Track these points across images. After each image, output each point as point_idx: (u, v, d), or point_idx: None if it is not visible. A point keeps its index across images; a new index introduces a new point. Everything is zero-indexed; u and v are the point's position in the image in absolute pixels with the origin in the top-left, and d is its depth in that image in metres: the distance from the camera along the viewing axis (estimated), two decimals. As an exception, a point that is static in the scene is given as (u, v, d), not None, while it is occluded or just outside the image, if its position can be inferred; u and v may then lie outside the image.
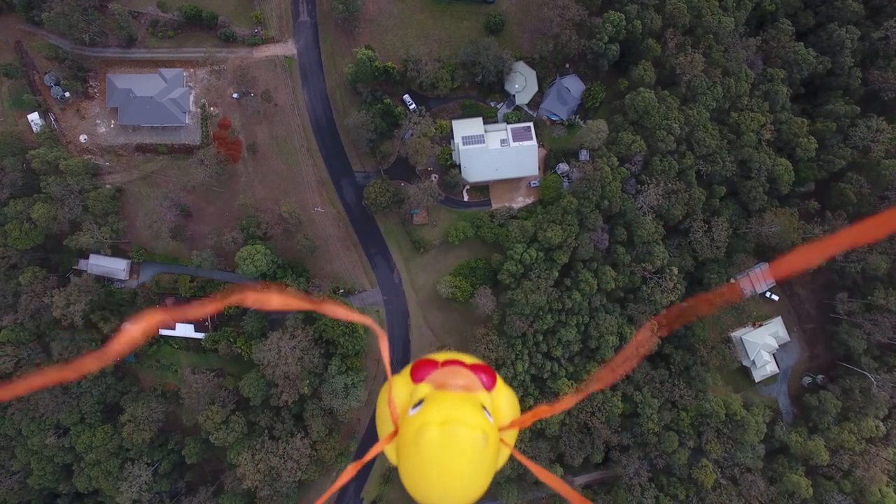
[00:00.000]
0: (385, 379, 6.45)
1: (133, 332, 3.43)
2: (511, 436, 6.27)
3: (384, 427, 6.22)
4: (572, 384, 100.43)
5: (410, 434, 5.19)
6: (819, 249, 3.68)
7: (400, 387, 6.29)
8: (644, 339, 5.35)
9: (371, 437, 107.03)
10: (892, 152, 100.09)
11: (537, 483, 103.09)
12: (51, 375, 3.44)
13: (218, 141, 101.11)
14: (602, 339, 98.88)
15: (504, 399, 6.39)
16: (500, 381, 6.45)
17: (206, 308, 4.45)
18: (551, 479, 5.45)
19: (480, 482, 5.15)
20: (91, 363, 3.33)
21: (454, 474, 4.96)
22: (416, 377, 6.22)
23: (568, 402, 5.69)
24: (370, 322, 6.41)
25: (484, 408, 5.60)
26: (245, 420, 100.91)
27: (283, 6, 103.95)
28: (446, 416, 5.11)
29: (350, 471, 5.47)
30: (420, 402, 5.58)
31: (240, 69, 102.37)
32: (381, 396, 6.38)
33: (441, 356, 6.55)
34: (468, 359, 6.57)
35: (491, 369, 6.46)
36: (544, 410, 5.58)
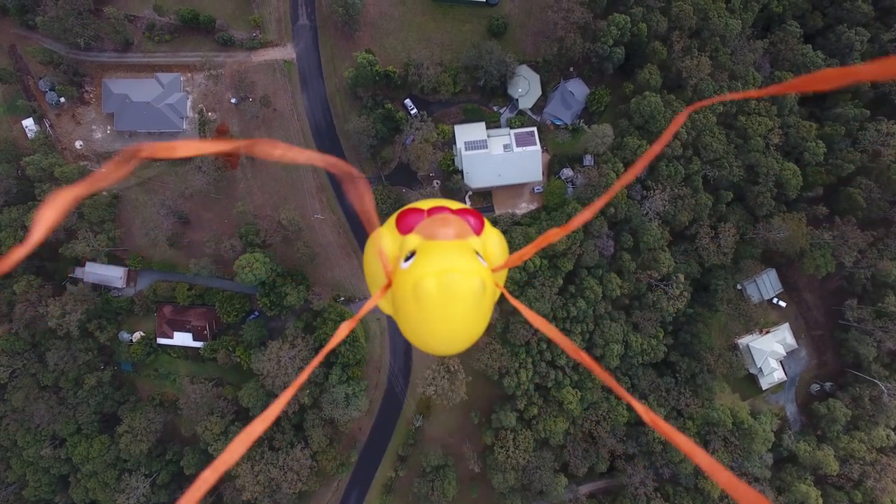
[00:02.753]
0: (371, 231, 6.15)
1: (47, 213, 3.09)
2: (501, 276, 6.33)
3: (375, 280, 6.16)
4: (576, 392, 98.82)
5: (407, 287, 5.13)
6: (837, 74, 3.26)
7: (387, 238, 6.14)
8: (680, 121, 4.66)
9: (374, 446, 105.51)
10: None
11: (542, 493, 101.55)
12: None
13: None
14: (607, 346, 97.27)
15: (493, 241, 6.30)
16: (487, 224, 6.36)
17: (109, 176, 3.52)
18: (541, 323, 5.22)
19: (480, 325, 5.26)
20: (17, 253, 3.06)
21: (455, 321, 5.02)
22: (404, 228, 6.06)
23: (580, 219, 5.22)
24: (332, 161, 5.31)
25: (476, 253, 5.59)
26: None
27: (281, 9, 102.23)
28: (442, 267, 5.06)
29: (344, 329, 5.18)
30: (412, 254, 5.48)
31: (238, 74, 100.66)
32: (369, 249, 6.24)
33: (426, 203, 6.39)
34: (453, 204, 6.45)
35: (478, 212, 6.35)
36: (552, 234, 5.31)
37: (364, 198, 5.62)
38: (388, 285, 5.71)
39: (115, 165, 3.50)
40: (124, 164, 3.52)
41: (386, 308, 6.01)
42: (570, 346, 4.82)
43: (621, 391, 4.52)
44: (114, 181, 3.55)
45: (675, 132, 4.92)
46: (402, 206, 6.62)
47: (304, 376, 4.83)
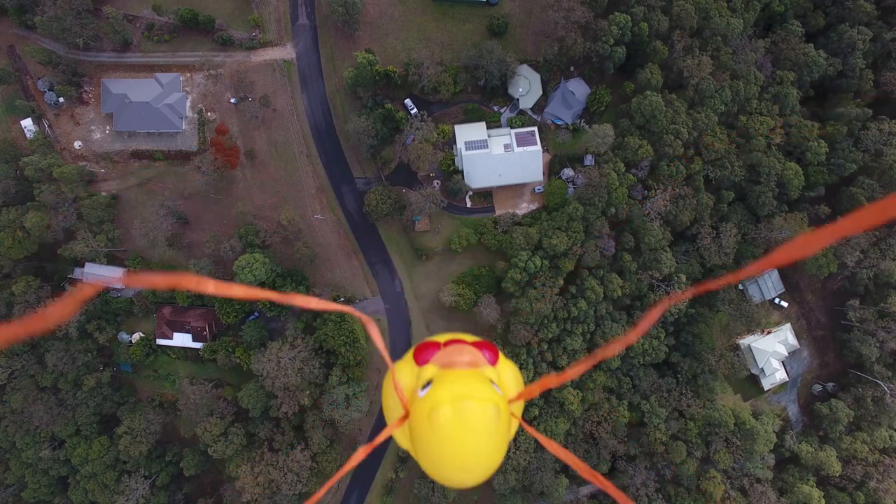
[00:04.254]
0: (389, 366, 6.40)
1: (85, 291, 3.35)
2: (518, 407, 6.40)
3: (392, 412, 6.26)
4: (578, 393, 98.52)
5: (423, 415, 5.22)
6: (818, 238, 3.54)
7: (404, 371, 6.32)
8: (659, 313, 4.99)
9: (374, 448, 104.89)
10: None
11: (542, 494, 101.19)
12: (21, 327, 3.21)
13: (215, 147, 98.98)
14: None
15: (508, 372, 6.45)
16: (502, 356, 6.50)
17: (160, 284, 4.00)
18: (557, 449, 5.39)
19: (496, 454, 5.24)
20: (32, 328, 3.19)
21: (471, 449, 5.03)
22: (420, 360, 6.26)
23: (575, 371, 5.56)
24: (351, 310, 6.21)
25: (492, 381, 5.67)
26: (244, 432, 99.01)
27: (281, 9, 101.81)
28: (457, 393, 5.16)
29: (360, 454, 5.35)
30: (428, 384, 5.60)
31: (237, 74, 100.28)
32: (387, 382, 6.39)
33: (442, 337, 6.59)
34: (469, 337, 6.59)
35: (493, 345, 6.48)
36: (551, 380, 5.53)
37: (372, 337, 6.00)
38: (406, 416, 5.82)
39: (173, 284, 3.81)
40: (188, 287, 3.80)
41: (402, 441, 6.13)
42: (585, 469, 5.03)
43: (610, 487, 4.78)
44: (158, 286, 4.05)
45: (653, 322, 5.11)
46: (419, 342, 6.77)
47: (321, 493, 5.14)
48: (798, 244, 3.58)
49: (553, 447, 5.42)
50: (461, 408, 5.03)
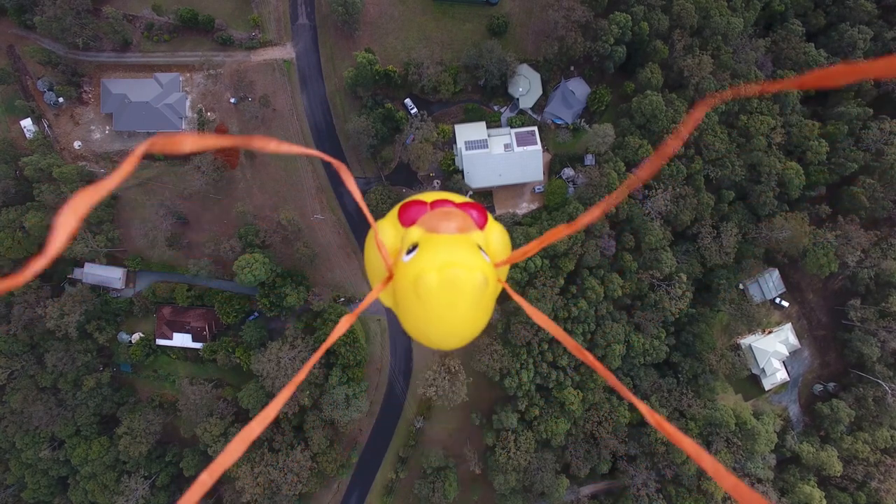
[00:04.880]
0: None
1: (68, 219, 2.94)
2: (503, 272, 6.18)
3: (376, 273, 6.05)
4: (578, 393, 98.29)
5: (408, 281, 5.07)
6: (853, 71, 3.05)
7: (389, 230, 6.08)
8: (699, 116, 4.23)
9: (375, 448, 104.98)
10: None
11: (543, 494, 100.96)
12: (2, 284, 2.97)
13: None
14: (609, 347, 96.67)
15: (496, 236, 6.22)
16: (490, 219, 6.27)
17: (125, 168, 3.33)
18: (543, 319, 5.08)
19: (481, 320, 5.20)
20: (38, 264, 2.90)
21: (456, 316, 4.97)
22: (406, 220, 6.01)
23: (584, 220, 4.90)
24: (314, 152, 5.41)
25: (479, 247, 5.48)
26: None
27: (281, 9, 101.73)
28: (444, 261, 4.99)
29: (344, 323, 4.96)
30: (413, 247, 5.37)
31: (237, 73, 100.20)
32: (370, 241, 6.15)
33: (429, 196, 6.31)
34: (457, 197, 6.34)
35: (481, 206, 6.24)
36: (558, 232, 5.01)
37: (348, 185, 5.49)
38: (389, 278, 5.60)
39: (133, 158, 3.31)
40: (138, 159, 3.33)
41: (387, 301, 5.95)
42: (572, 344, 4.68)
43: (624, 391, 4.34)
44: (127, 177, 3.47)
45: (691, 129, 4.71)
46: (405, 199, 6.51)
47: (302, 374, 4.59)
48: (830, 72, 3.24)
49: (540, 317, 5.14)
50: (447, 276, 4.87)
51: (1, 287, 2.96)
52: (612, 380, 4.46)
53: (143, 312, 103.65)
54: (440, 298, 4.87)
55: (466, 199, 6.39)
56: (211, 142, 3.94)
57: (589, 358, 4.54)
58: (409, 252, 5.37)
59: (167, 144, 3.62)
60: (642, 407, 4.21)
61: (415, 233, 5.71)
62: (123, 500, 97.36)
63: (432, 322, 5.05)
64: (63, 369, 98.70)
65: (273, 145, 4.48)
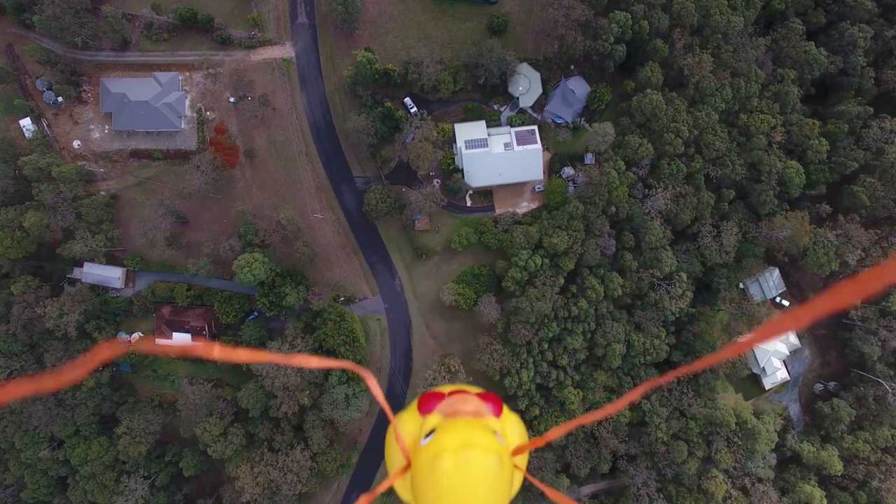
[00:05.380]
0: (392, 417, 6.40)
1: (105, 353, 3.53)
2: (522, 460, 6.29)
3: (394, 463, 6.15)
4: (578, 393, 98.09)
5: (425, 463, 5.21)
6: (844, 294, 3.36)
7: (408, 421, 6.28)
8: (640, 392, 5.15)
9: (372, 446, 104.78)
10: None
11: (543, 494, 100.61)
12: (30, 386, 3.46)
13: (215, 146, 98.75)
14: (609, 346, 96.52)
15: (512, 424, 6.41)
16: (506, 408, 6.51)
17: (174, 349, 4.48)
18: (564, 500, 5.32)
19: None
20: (67, 377, 3.45)
21: (472, 499, 4.96)
22: (424, 409, 6.23)
23: (556, 433, 5.65)
24: (352, 367, 6.14)
25: (495, 432, 5.66)
26: (244, 432, 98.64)
27: (280, 8, 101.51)
28: (460, 442, 5.15)
29: (363, 502, 5.06)
30: (431, 433, 5.58)
31: (237, 73, 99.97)
32: (389, 434, 6.29)
33: (446, 388, 6.64)
34: (473, 388, 6.63)
35: (497, 396, 6.53)
36: (553, 433, 5.59)
37: (372, 390, 5.94)
38: (407, 466, 5.78)
39: (185, 351, 4.24)
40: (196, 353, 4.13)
41: (403, 493, 6.05)
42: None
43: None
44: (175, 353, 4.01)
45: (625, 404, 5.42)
46: (423, 392, 6.82)
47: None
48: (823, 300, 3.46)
49: (559, 497, 5.42)
50: (463, 456, 5.02)
51: (34, 388, 3.45)
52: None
53: (143, 312, 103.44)
54: (456, 479, 4.95)
55: (483, 389, 6.72)
56: (244, 357, 4.64)
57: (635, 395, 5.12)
58: (426, 436, 5.58)
59: (224, 354, 4.29)
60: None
61: (433, 419, 5.96)
62: (123, 500, 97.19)
63: None
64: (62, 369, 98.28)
65: (314, 363, 5.24)
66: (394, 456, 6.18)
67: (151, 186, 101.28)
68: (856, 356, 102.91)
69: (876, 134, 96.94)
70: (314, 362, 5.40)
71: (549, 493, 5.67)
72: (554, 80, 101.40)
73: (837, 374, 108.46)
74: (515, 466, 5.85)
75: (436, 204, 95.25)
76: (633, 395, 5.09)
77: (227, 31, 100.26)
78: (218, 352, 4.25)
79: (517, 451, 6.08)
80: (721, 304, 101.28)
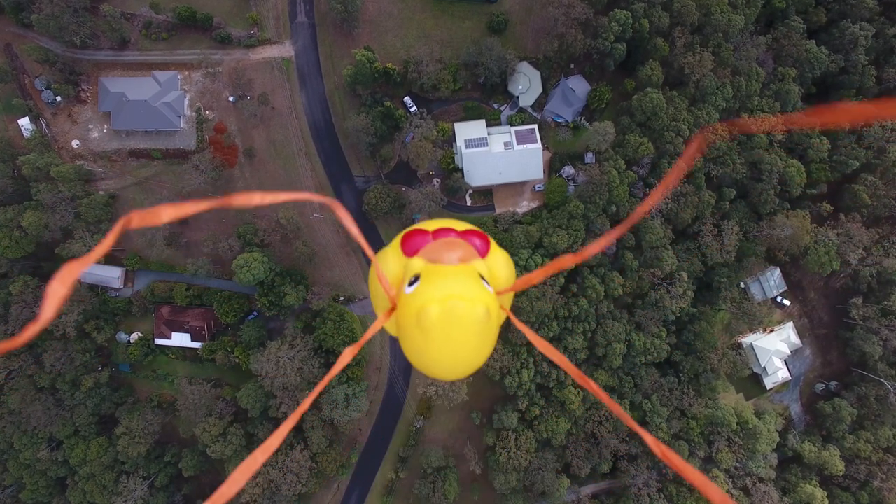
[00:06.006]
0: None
1: (58, 288, 3.29)
2: (507, 299, 6.17)
3: (380, 303, 6.10)
4: (578, 392, 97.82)
5: (411, 313, 5.10)
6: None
7: (391, 260, 6.07)
8: (694, 152, 4.70)
9: (374, 448, 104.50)
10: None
11: (544, 494, 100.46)
12: None
13: (214, 146, 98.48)
14: (609, 346, 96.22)
15: (499, 263, 6.18)
16: (493, 245, 6.24)
17: (109, 239, 3.81)
18: (547, 348, 5.19)
19: (484, 351, 5.20)
20: (31, 330, 3.22)
21: (459, 348, 4.97)
22: (408, 250, 5.99)
23: (596, 247, 5.25)
24: (314, 196, 5.60)
25: (482, 277, 5.47)
26: (243, 432, 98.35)
27: (279, 7, 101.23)
28: (445, 293, 5.00)
29: (347, 355, 5.06)
30: (416, 278, 5.42)
31: (236, 72, 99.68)
32: (372, 274, 6.15)
33: (431, 224, 6.31)
34: (459, 225, 6.31)
35: (483, 233, 6.21)
36: (564, 261, 5.23)
37: (344, 221, 5.56)
38: (393, 309, 5.67)
39: (113, 235, 3.67)
40: (118, 233, 3.69)
41: (391, 330, 5.99)
42: (575, 373, 4.75)
43: (628, 420, 4.42)
44: (109, 249, 3.77)
45: (692, 162, 4.93)
46: (407, 227, 6.50)
47: (307, 404, 4.62)
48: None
49: (543, 346, 5.20)
50: (450, 308, 4.87)
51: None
52: (617, 409, 4.49)
53: (142, 312, 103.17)
54: (442, 330, 4.88)
55: (469, 226, 6.37)
56: (189, 209, 4.06)
57: (592, 386, 4.57)
58: (411, 283, 5.41)
59: (145, 218, 3.79)
60: (648, 438, 4.23)
61: (417, 264, 5.72)
62: (122, 501, 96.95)
63: (435, 354, 5.07)
64: (61, 369, 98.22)
65: (257, 199, 4.56)
66: (378, 295, 6.12)
67: (150, 186, 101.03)
68: (857, 355, 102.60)
69: (877, 132, 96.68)
70: (257, 199, 4.67)
71: (531, 336, 5.34)
72: (554, 79, 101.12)
73: (839, 374, 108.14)
74: (500, 307, 5.71)
75: (436, 203, 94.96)
76: (633, 218, 4.84)
77: (226, 29, 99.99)
78: (137, 219, 3.93)
79: (503, 292, 5.91)
80: (722, 304, 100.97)
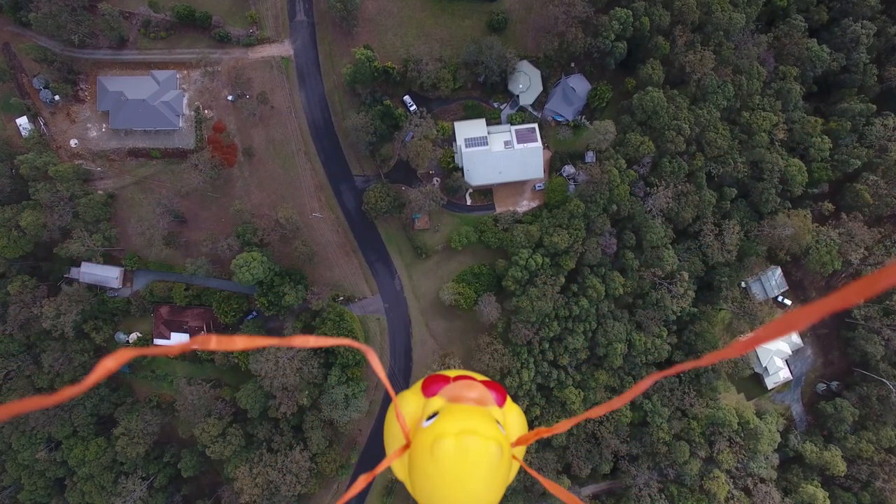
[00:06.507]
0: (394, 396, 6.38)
1: (109, 365, 3.61)
2: (520, 451, 6.35)
3: (393, 441, 6.19)
4: (579, 393, 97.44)
5: (425, 445, 5.20)
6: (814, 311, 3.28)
7: (411, 401, 6.30)
8: (646, 385, 4.85)
9: (372, 447, 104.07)
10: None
11: (544, 494, 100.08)
12: (31, 403, 3.44)
13: (213, 145, 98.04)
14: (610, 346, 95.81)
15: (514, 415, 6.42)
16: (509, 399, 6.54)
17: (174, 349, 4.26)
18: (560, 492, 5.30)
19: (494, 494, 5.21)
20: (69, 392, 3.52)
21: (469, 485, 5.00)
22: (429, 391, 6.24)
23: (563, 426, 5.72)
24: (351, 343, 5.81)
25: (497, 421, 5.70)
26: (242, 432, 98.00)
27: (278, 5, 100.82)
28: (462, 427, 5.15)
29: (361, 483, 5.15)
30: (434, 415, 5.61)
31: (235, 71, 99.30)
32: (390, 412, 6.37)
33: (452, 372, 6.59)
34: (479, 376, 6.62)
35: (501, 386, 6.50)
36: (542, 432, 5.67)
37: (374, 367, 5.68)
38: (406, 446, 5.80)
39: (184, 348, 4.03)
40: (190, 348, 3.98)
41: (400, 472, 6.09)
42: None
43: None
44: (172, 353, 4.49)
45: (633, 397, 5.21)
46: (429, 374, 6.84)
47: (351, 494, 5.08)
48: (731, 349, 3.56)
49: (557, 490, 5.35)
50: (464, 442, 5.04)
51: (35, 405, 3.27)
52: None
53: (141, 312, 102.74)
54: (455, 464, 4.97)
55: (488, 378, 6.70)
56: (259, 342, 4.33)
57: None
58: (429, 418, 5.64)
59: (222, 343, 4.09)
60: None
61: (436, 402, 5.98)
62: (121, 502, 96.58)
63: (445, 490, 5.09)
64: (60, 369, 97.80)
65: (312, 342, 4.91)
66: (393, 434, 6.21)
67: (149, 185, 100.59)
68: (859, 355, 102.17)
69: (879, 131, 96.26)
70: (312, 341, 5.09)
71: (547, 484, 5.61)
72: (554, 78, 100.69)
73: (840, 374, 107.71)
74: (514, 457, 5.91)
75: (435, 202, 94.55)
76: (641, 387, 4.86)
77: (224, 28, 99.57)
78: (215, 343, 4.12)
79: (517, 443, 6.14)
80: (723, 304, 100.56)
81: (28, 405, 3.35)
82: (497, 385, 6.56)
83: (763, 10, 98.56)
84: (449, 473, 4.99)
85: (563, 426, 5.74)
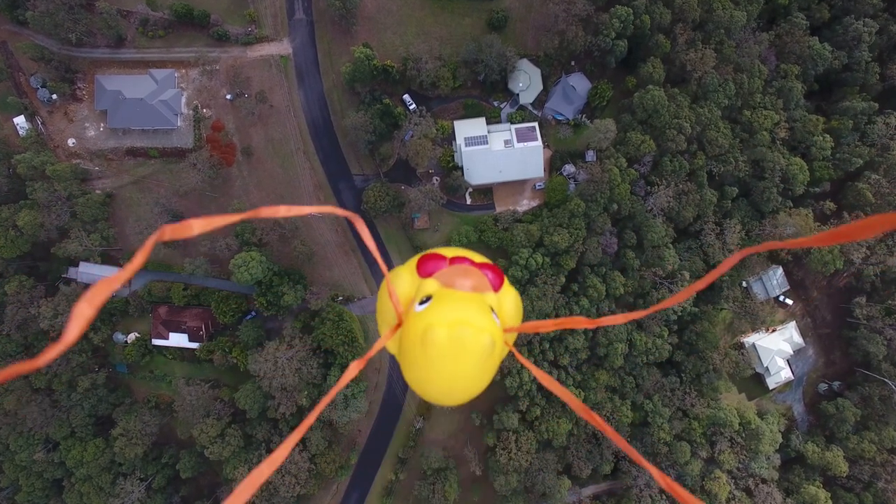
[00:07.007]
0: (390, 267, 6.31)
1: (85, 310, 3.15)
2: (512, 337, 6.32)
3: (386, 318, 6.05)
4: (580, 393, 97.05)
5: (416, 332, 5.12)
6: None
7: (404, 279, 6.04)
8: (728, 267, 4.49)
9: (372, 447, 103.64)
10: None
11: (544, 495, 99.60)
12: (17, 368, 3.14)
13: (211, 144, 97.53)
14: (611, 346, 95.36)
15: (509, 301, 6.23)
16: (506, 283, 6.30)
17: (138, 259, 3.68)
18: (551, 383, 5.12)
19: (483, 381, 5.28)
20: (53, 352, 3.09)
21: (459, 374, 5.03)
22: (423, 271, 6.00)
23: (611, 319, 5.36)
24: (333, 210, 5.76)
25: (491, 309, 5.53)
26: (241, 433, 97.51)
27: (277, 4, 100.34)
28: (455, 318, 5.05)
29: (353, 369, 4.88)
30: (427, 299, 5.46)
31: (233, 69, 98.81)
32: (383, 288, 6.16)
33: (449, 251, 6.37)
34: (476, 257, 6.38)
35: (498, 268, 6.28)
36: (577, 321, 5.34)
37: (364, 237, 5.60)
38: (399, 326, 5.71)
39: (144, 251, 3.55)
40: (149, 251, 3.54)
41: (392, 348, 6.05)
42: (580, 407, 4.79)
43: (634, 453, 4.36)
44: (139, 268, 3.63)
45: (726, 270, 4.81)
46: (424, 250, 6.58)
47: (312, 417, 4.51)
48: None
49: (547, 381, 5.13)
50: (456, 333, 4.90)
51: (19, 370, 2.97)
52: (622, 443, 4.37)
53: (139, 312, 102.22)
54: (446, 354, 4.90)
55: (485, 259, 6.50)
56: (218, 221, 3.94)
57: (596, 419, 4.56)
58: (422, 303, 5.46)
59: (176, 231, 3.71)
60: (654, 471, 4.12)
61: (430, 285, 5.76)
62: (119, 503, 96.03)
63: (434, 377, 5.08)
64: (57, 370, 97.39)
65: (282, 211, 4.61)
66: (386, 311, 6.07)
67: (147, 185, 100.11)
68: (861, 355, 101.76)
69: (881, 130, 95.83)
70: (283, 211, 4.68)
71: (539, 374, 5.31)
72: (554, 77, 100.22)
73: (842, 374, 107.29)
74: (505, 342, 5.84)
75: (435, 202, 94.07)
76: (729, 263, 4.46)
77: (223, 27, 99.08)
78: (169, 232, 3.77)
79: (509, 330, 6.03)
80: (724, 303, 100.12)
81: (13, 371, 3.03)
82: (494, 267, 6.33)
83: (764, 8, 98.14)
84: (438, 362, 4.93)
85: (610, 320, 5.37)
